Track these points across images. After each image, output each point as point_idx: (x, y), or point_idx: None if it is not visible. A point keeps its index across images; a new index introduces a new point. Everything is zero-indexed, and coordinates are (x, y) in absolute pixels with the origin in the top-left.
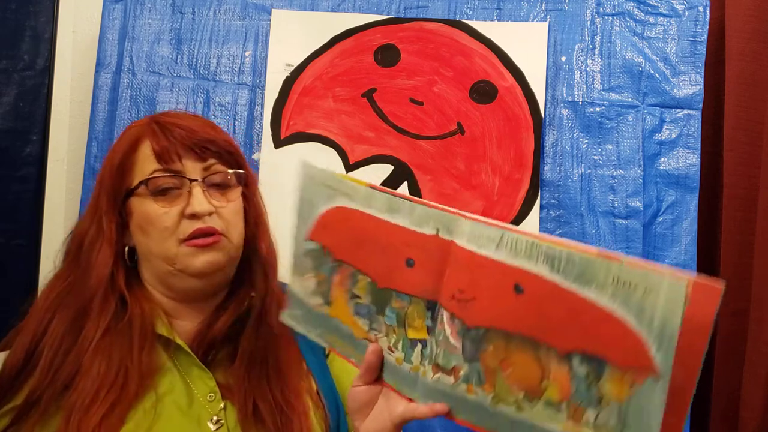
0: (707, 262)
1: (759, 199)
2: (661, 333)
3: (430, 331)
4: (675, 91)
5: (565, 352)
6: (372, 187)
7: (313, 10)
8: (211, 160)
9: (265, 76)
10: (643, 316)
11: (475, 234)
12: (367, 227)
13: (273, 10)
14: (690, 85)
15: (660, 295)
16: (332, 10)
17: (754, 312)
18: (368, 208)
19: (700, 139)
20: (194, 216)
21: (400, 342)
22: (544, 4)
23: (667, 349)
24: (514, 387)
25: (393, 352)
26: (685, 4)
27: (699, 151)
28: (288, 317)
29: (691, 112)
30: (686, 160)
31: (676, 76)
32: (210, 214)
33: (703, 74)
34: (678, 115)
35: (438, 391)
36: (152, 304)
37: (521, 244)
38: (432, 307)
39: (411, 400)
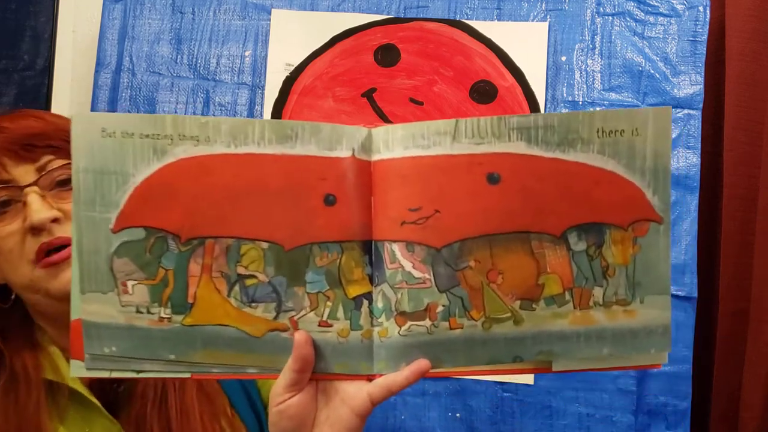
0: (707, 262)
1: (759, 199)
2: (654, 171)
3: (373, 279)
4: (675, 91)
5: (560, 232)
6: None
7: (313, 9)
8: (46, 157)
9: (265, 76)
10: (634, 160)
11: (415, 135)
12: (248, 173)
13: (273, 9)
14: (690, 85)
15: (648, 129)
16: (332, 10)
17: (754, 312)
18: (243, 146)
19: (700, 139)
20: (36, 229)
21: (339, 307)
22: (544, 4)
23: (663, 186)
24: (508, 297)
25: (329, 326)
26: (685, 4)
27: (699, 151)
28: (88, 367)
29: (691, 112)
30: (686, 160)
31: (676, 76)
32: (55, 220)
33: (703, 74)
34: (678, 115)
35: (410, 346)
36: (39, 346)
37: (485, 125)
38: (368, 249)
39: (370, 377)
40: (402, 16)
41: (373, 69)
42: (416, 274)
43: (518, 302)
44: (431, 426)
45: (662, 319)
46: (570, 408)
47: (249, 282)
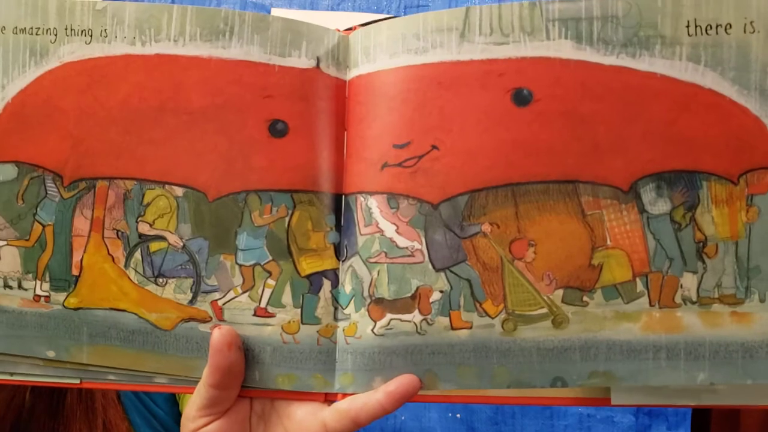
0: None
1: None
2: None
3: (340, 250)
4: None
5: (627, 183)
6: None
7: (313, 9)
8: None
9: None
10: (748, 73)
11: (406, 35)
12: (159, 84)
13: (273, 9)
14: None
15: None
16: (332, 10)
17: None
18: (153, 43)
19: None
20: None
21: (286, 289)
22: None
23: None
24: (544, 283)
25: (270, 317)
26: None
27: None
28: None
29: None
30: None
31: None
32: None
33: None
34: None
35: (389, 353)
36: None
37: (509, 15)
38: (336, 206)
39: (329, 397)
40: (402, 15)
41: None
42: (401, 242)
43: (560, 292)
44: (431, 426)
45: None
46: (570, 408)
47: (155, 246)
